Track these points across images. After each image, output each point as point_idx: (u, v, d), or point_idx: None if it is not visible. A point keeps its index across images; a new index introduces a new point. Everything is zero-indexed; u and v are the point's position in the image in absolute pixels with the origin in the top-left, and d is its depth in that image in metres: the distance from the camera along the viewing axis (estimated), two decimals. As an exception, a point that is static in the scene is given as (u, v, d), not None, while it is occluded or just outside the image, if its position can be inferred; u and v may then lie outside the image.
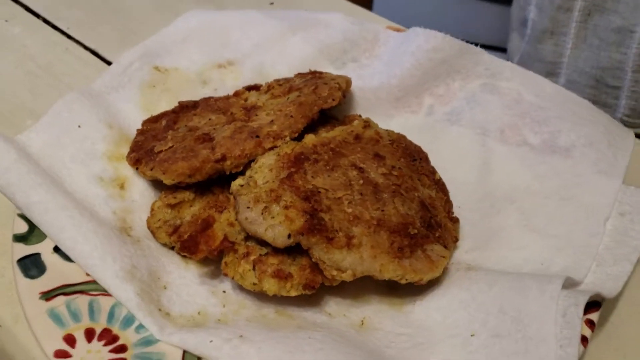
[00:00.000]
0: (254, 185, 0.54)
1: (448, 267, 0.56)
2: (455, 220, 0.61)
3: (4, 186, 0.56)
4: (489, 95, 0.69)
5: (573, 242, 0.56)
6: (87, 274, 0.53)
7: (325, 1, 0.96)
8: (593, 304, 0.51)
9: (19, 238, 0.55)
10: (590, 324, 0.50)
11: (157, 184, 0.62)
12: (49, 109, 0.64)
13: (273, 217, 0.51)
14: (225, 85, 0.74)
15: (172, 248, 0.58)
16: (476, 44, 0.71)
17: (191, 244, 0.53)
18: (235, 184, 0.55)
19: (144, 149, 0.62)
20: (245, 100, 0.68)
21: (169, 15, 0.83)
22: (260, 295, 0.54)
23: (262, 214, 0.51)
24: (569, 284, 0.51)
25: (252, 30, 0.78)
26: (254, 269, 0.52)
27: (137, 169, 0.61)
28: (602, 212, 0.58)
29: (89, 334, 0.49)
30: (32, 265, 0.53)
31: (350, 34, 0.77)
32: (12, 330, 0.53)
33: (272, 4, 0.96)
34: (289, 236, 0.50)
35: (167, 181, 0.59)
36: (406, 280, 0.52)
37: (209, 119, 0.64)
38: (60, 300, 0.51)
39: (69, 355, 0.48)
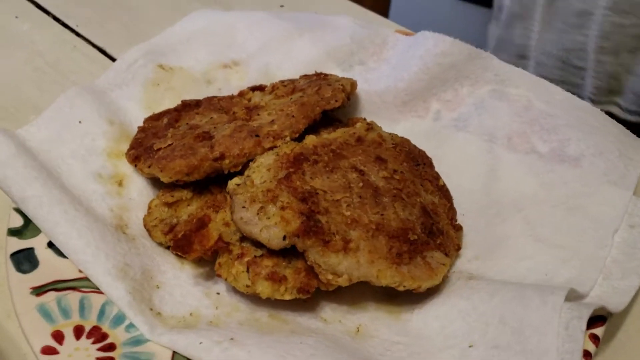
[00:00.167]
0: (251, 184, 0.53)
1: (449, 275, 0.55)
2: (459, 228, 0.59)
3: (0, 179, 0.55)
4: (498, 102, 0.68)
5: (579, 254, 0.55)
6: (80, 271, 0.52)
7: (338, 6, 0.95)
8: (598, 318, 0.49)
9: (14, 232, 0.55)
10: (595, 338, 0.48)
11: (155, 182, 0.62)
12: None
13: (269, 218, 0.50)
14: (230, 85, 0.74)
15: (168, 247, 0.57)
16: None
17: (185, 243, 0.52)
18: (232, 183, 0.53)
19: (144, 147, 0.61)
20: (249, 100, 0.67)
21: (177, 14, 0.82)
22: (254, 299, 0.53)
23: (258, 214, 0.50)
24: (573, 296, 0.50)
25: (258, 30, 0.77)
26: (247, 270, 0.51)
27: (135, 166, 0.61)
28: (610, 224, 0.56)
29: (78, 331, 0.49)
30: (24, 260, 0.53)
31: (358, 36, 0.76)
32: (3, 325, 0.53)
33: (282, 6, 0.95)
34: (284, 238, 0.49)
35: (165, 179, 0.58)
36: (404, 287, 0.51)
37: (211, 118, 0.64)
38: (51, 296, 0.50)
39: (57, 352, 0.47)
